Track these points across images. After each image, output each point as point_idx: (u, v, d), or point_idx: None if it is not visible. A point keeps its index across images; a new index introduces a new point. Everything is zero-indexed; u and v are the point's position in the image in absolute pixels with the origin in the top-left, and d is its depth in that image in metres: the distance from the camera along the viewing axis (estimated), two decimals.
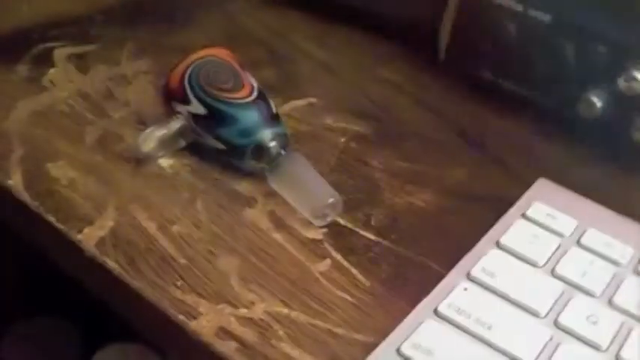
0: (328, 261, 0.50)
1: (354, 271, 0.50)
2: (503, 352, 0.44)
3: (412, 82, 0.67)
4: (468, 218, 0.54)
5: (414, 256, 0.51)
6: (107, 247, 0.49)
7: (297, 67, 0.67)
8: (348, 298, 0.48)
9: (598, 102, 0.60)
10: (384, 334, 0.45)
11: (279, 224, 0.52)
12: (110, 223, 0.50)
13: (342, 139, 0.60)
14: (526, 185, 0.56)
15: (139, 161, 0.55)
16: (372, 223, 0.53)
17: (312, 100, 0.63)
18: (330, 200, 0.52)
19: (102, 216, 0.51)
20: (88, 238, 0.49)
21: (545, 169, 0.59)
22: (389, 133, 0.61)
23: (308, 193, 0.52)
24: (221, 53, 0.57)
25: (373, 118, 0.62)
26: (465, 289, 0.47)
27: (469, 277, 0.48)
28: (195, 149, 0.56)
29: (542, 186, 0.55)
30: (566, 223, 0.52)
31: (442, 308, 0.46)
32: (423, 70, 0.68)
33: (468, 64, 0.66)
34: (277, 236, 0.51)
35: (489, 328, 0.45)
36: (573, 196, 0.55)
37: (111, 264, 0.48)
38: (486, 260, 0.49)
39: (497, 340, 0.45)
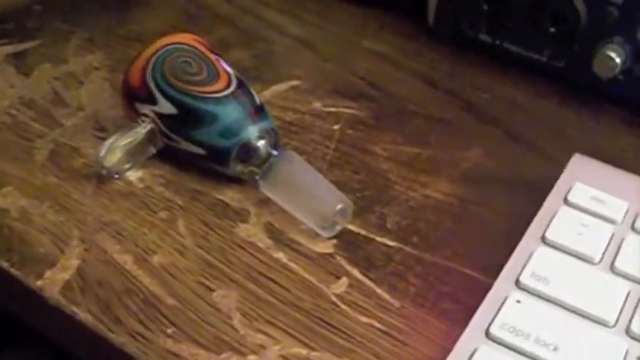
0: (345, 280, 0.39)
1: (377, 289, 0.39)
2: None
3: (402, 53, 0.55)
4: (497, 208, 0.44)
5: (443, 261, 0.40)
6: (75, 292, 0.37)
7: (271, 47, 0.55)
8: (377, 324, 0.37)
9: (616, 57, 0.49)
10: None
11: (280, 240, 0.41)
12: (75, 262, 0.39)
13: (336, 126, 0.48)
14: (554, 162, 0.46)
15: (102, 178, 0.43)
16: (388, 225, 0.42)
17: (295, 82, 0.51)
18: (339, 206, 0.40)
19: (65, 253, 0.39)
20: (51, 283, 0.38)
21: (569, 140, 0.48)
22: (387, 114, 0.50)
23: (311, 200, 0.41)
24: (187, 39, 0.45)
25: (366, 97, 0.51)
26: (518, 301, 0.37)
27: (519, 286, 0.37)
28: (167, 157, 0.44)
29: (579, 163, 0.44)
30: (615, 207, 0.41)
31: (495, 330, 0.35)
32: (412, 38, 0.57)
33: (462, 26, 0.55)
34: (280, 255, 0.40)
35: (555, 349, 0.35)
36: (615, 171, 0.44)
37: (82, 315, 0.36)
38: (535, 262, 0.38)
39: None
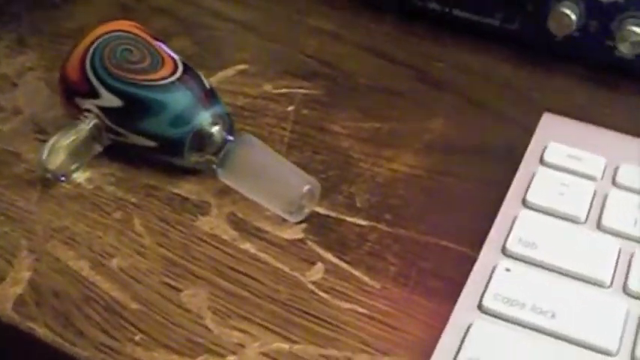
0: (320, 266, 0.36)
1: (355, 272, 0.36)
2: (583, 344, 0.31)
3: (349, 28, 0.52)
4: (468, 177, 0.41)
5: (420, 236, 0.37)
6: (30, 307, 0.33)
7: (213, 33, 0.51)
8: (360, 309, 0.34)
9: (571, 14, 0.47)
10: (420, 350, 0.31)
11: (245, 230, 0.37)
12: (27, 274, 0.35)
13: (291, 107, 0.45)
14: (519, 125, 0.43)
15: (48, 182, 0.39)
16: (358, 204, 0.39)
17: (242, 67, 0.48)
18: (306, 188, 0.37)
19: (14, 266, 0.35)
20: (2, 299, 0.34)
21: (530, 102, 0.46)
22: (342, 91, 0.47)
23: (275, 184, 0.38)
24: (125, 26, 0.41)
25: (318, 75, 0.48)
26: (507, 269, 0.34)
27: (506, 254, 0.35)
28: (116, 153, 0.40)
29: (550, 122, 0.42)
30: (593, 163, 0.39)
31: (488, 302, 0.33)
32: (358, 13, 0.54)
33: None
34: (247, 246, 0.37)
35: (553, 316, 0.32)
36: (585, 127, 0.42)
37: (40, 330, 0.33)
38: (520, 227, 0.36)
39: (566, 330, 0.32)
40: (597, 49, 0.48)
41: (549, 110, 0.43)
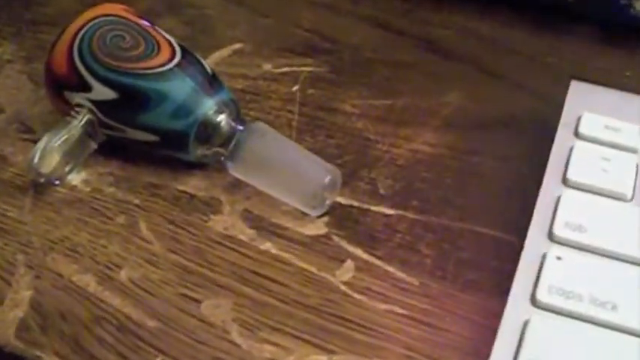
0: (350, 263, 0.32)
1: (389, 268, 0.32)
2: None
3: None
4: (495, 154, 0.37)
5: (454, 223, 0.33)
6: (34, 332, 0.29)
7: (202, 11, 0.46)
8: (399, 310, 0.30)
9: None
10: (470, 351, 0.28)
11: (263, 227, 0.33)
12: (27, 293, 0.30)
13: (295, 88, 0.40)
14: (540, 94, 0.40)
15: (41, 187, 0.35)
16: (381, 191, 0.35)
17: (237, 46, 0.43)
18: (328, 178, 0.33)
19: (12, 285, 0.31)
20: (3, 325, 0.29)
21: (548, 68, 0.42)
22: (347, 67, 0.42)
23: (293, 176, 0.33)
24: (114, 9, 0.36)
25: (320, 51, 0.43)
26: (559, 258, 0.30)
27: (554, 239, 0.31)
28: (113, 150, 0.36)
29: (579, 90, 0.37)
30: (632, 133, 0.35)
31: (542, 296, 0.29)
32: None
33: None
34: (267, 246, 0.32)
35: (614, 308, 0.28)
36: (616, 94, 0.37)
37: (48, 359, 0.28)
38: (564, 209, 0.32)
39: (630, 322, 0.28)
40: (612, 8, 0.43)
41: (567, 77, 0.38)
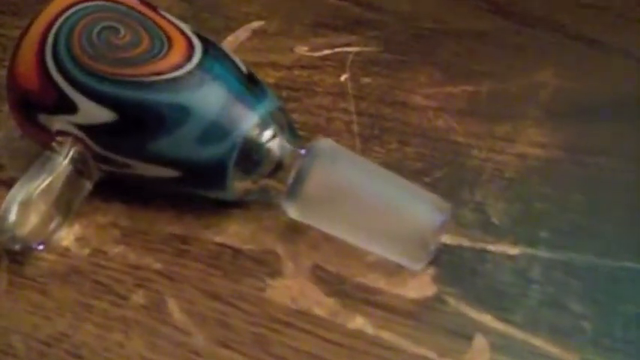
0: (481, 340, 0.20)
1: (535, 341, 0.20)
2: None
3: None
4: (626, 151, 0.25)
5: (602, 260, 0.22)
6: None
7: None
8: None
9: None
10: None
11: (347, 292, 0.22)
12: None
13: (344, 76, 0.28)
14: None
15: (19, 256, 0.22)
16: (494, 220, 0.23)
17: (257, 24, 0.31)
18: (440, 220, 0.21)
19: None
20: None
21: None
22: (403, 42, 0.30)
23: (385, 216, 0.21)
24: None
25: (365, 23, 0.31)
26: None
27: None
28: (115, 190, 0.23)
29: None
30: None
31: None
32: None
33: None
34: (358, 323, 0.21)
35: None
36: None
37: None
38: None
39: None
40: None
41: None
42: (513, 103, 0.28)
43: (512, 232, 0.23)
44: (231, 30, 0.31)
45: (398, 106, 0.27)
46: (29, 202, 0.21)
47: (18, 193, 0.21)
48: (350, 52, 0.29)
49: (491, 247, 0.23)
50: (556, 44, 0.30)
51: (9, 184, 0.24)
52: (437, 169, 0.25)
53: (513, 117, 0.27)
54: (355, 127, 0.26)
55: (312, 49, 0.30)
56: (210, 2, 0.32)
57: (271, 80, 0.28)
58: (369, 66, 0.29)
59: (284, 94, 0.28)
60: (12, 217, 0.21)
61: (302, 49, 0.30)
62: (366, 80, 0.28)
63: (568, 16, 0.31)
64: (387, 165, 0.24)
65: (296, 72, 0.29)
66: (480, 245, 0.23)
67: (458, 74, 0.29)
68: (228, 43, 0.30)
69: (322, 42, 0.30)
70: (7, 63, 0.28)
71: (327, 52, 0.29)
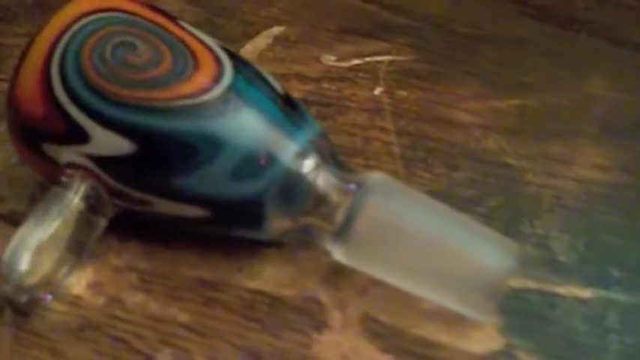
0: None
1: None
2: None
3: None
4: None
5: None
6: None
7: None
8: None
9: None
10: None
11: (405, 348, 0.18)
12: None
13: (378, 90, 0.25)
14: None
15: (24, 307, 0.18)
16: (560, 257, 0.20)
17: (277, 30, 0.28)
18: (511, 265, 0.18)
19: None
20: None
21: None
22: (438, 49, 0.27)
23: (446, 260, 0.18)
24: (109, 0, 0.20)
25: (394, 29, 0.28)
26: None
27: None
28: (131, 226, 0.20)
29: None
30: None
31: None
32: None
33: None
34: None
35: None
36: None
37: None
38: None
39: None
40: None
41: None
42: (566, 118, 0.24)
43: (581, 270, 0.20)
44: (249, 37, 0.27)
45: (440, 123, 0.24)
46: (40, 249, 0.18)
47: (26, 238, 0.18)
48: (382, 62, 0.26)
49: (560, 290, 0.20)
50: (602, 51, 0.27)
51: (9, 217, 0.21)
52: (490, 197, 0.22)
53: (566, 135, 0.24)
54: (396, 149, 0.23)
55: (341, 59, 0.26)
56: (224, 6, 0.29)
57: (297, 95, 0.25)
58: (403, 77, 0.26)
59: (313, 110, 0.24)
60: (22, 266, 0.18)
61: (329, 59, 0.26)
62: (403, 94, 0.25)
63: (612, 19, 0.28)
64: (435, 193, 0.21)
65: (325, 85, 0.25)
66: (547, 287, 0.20)
67: (501, 86, 0.25)
68: (247, 53, 0.26)
69: (350, 50, 0.27)
70: (3, 76, 0.25)
71: (356, 61, 0.26)
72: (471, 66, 0.26)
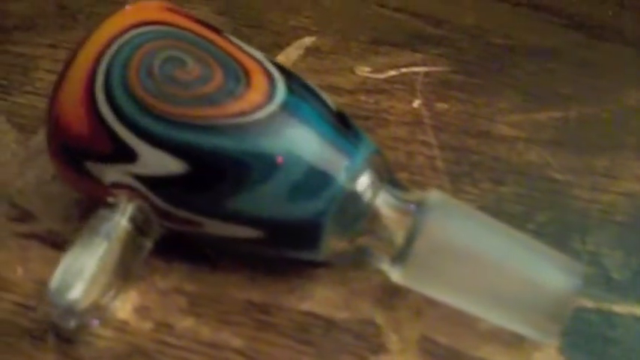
0: None
1: None
2: None
3: None
4: None
5: None
6: None
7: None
8: None
9: None
10: None
11: None
12: None
13: (417, 102, 0.24)
14: None
15: (67, 334, 0.18)
16: (614, 274, 0.20)
17: (308, 40, 0.27)
18: (576, 286, 0.17)
19: None
20: None
21: None
22: (474, 60, 0.26)
23: (509, 283, 0.17)
24: (155, 12, 0.19)
25: (428, 39, 0.27)
26: None
27: None
28: (176, 246, 0.19)
29: None
30: None
31: None
32: None
33: None
34: None
35: None
36: None
37: None
38: None
39: None
40: None
41: None
42: (607, 131, 0.24)
43: (636, 288, 0.19)
44: (279, 47, 0.26)
45: (482, 136, 0.23)
46: (93, 278, 0.17)
47: (76, 263, 0.17)
48: (418, 73, 0.25)
49: (617, 309, 0.19)
50: (636, 60, 0.27)
51: (45, 238, 0.20)
52: (539, 212, 0.21)
53: (610, 148, 0.23)
54: (439, 163, 0.22)
55: (375, 70, 0.25)
56: (252, 15, 0.28)
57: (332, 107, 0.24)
58: (441, 89, 0.25)
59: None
60: (74, 293, 0.17)
61: (364, 70, 0.26)
62: (442, 106, 0.24)
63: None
64: (484, 208, 0.20)
65: (361, 97, 0.25)
66: (605, 306, 0.19)
67: (540, 98, 0.25)
68: (279, 59, 0.25)
69: (384, 61, 0.26)
70: (29, 88, 0.24)
71: (392, 73, 0.25)
72: (508, 77, 0.26)
